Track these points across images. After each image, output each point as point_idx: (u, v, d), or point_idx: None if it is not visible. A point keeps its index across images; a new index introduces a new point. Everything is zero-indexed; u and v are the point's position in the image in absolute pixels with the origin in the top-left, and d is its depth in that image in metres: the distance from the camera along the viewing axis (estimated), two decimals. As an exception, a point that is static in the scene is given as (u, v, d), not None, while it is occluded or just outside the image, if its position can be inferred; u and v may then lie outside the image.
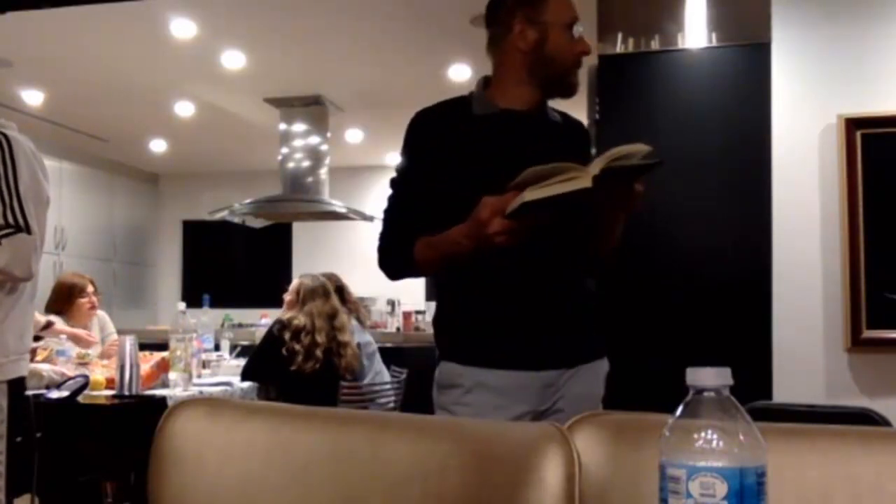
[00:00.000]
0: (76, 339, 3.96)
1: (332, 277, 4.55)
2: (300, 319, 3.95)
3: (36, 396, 2.88)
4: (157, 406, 3.02)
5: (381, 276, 1.87)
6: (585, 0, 3.44)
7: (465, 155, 1.80)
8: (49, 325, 3.87)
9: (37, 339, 3.61)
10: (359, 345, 4.23)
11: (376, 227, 1.91)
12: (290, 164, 6.38)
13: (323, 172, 6.42)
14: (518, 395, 1.76)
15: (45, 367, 3.31)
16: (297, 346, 3.89)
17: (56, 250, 7.27)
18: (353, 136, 7.38)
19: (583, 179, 1.48)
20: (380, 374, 4.42)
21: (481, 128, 1.82)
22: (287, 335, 3.91)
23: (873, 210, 2.90)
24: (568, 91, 1.86)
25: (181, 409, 1.23)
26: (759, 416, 0.82)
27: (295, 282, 4.22)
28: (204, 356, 4.04)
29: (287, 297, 4.21)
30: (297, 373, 3.87)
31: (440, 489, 1.07)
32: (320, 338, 3.92)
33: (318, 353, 3.89)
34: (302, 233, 8.74)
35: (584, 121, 3.22)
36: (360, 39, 5.00)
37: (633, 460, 1.02)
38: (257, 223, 7.00)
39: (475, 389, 1.77)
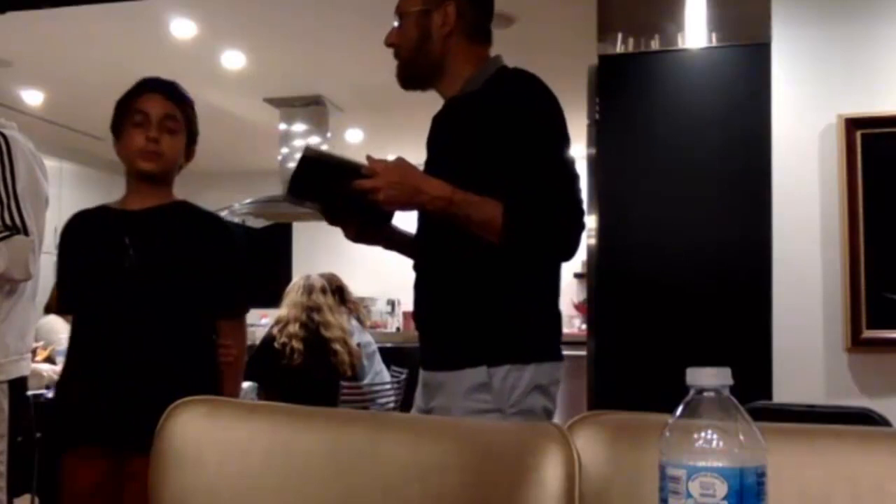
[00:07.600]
0: None
1: (332, 278, 4.56)
2: (283, 311, 4.01)
3: (36, 396, 2.87)
4: (158, 406, 3.01)
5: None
6: (585, 0, 3.44)
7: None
8: None
9: None
10: (359, 345, 4.23)
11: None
12: (290, 164, 6.36)
13: (323, 172, 6.41)
14: (420, 388, 1.85)
15: (45, 367, 3.30)
16: (284, 339, 3.92)
17: (56, 250, 7.25)
18: (354, 135, 7.37)
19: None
20: (380, 374, 4.42)
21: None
22: (276, 329, 3.97)
23: (873, 210, 2.90)
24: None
25: (181, 409, 1.23)
26: (759, 416, 0.82)
27: None
28: (204, 356, 4.03)
29: None
30: (291, 370, 3.87)
31: (440, 489, 1.07)
32: (294, 328, 3.94)
33: (296, 343, 3.90)
34: (302, 233, 8.72)
35: (584, 121, 3.24)
36: (360, 39, 4.98)
37: (633, 460, 1.02)
38: (257, 223, 6.98)
39: None
